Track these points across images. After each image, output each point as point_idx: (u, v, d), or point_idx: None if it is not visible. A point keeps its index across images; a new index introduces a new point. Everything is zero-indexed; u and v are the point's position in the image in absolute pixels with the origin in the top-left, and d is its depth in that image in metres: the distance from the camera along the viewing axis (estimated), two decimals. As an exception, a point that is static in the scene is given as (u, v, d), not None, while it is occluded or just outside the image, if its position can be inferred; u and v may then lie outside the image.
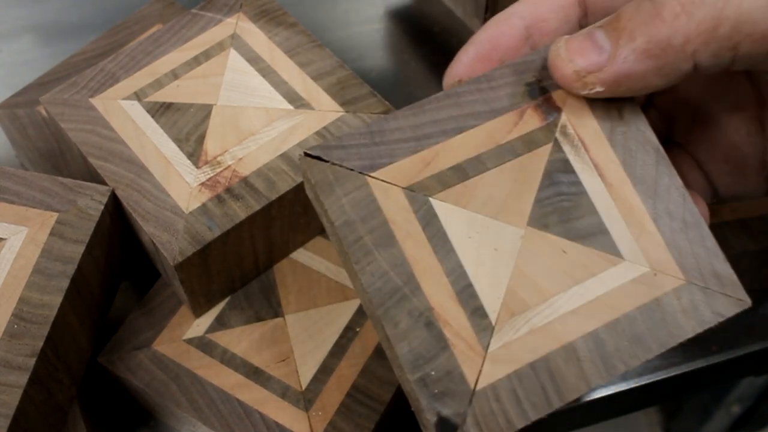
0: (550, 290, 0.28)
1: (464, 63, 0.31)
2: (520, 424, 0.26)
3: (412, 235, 0.28)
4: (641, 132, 0.29)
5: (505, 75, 0.30)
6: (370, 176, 0.28)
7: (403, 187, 0.28)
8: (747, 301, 0.28)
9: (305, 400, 0.36)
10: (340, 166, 0.28)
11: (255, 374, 0.37)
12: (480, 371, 0.27)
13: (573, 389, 0.27)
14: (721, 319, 0.28)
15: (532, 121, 0.29)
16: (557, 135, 0.29)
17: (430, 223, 0.28)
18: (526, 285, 0.28)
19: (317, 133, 0.37)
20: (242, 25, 0.40)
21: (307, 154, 0.28)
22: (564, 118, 0.29)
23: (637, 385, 0.43)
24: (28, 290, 0.32)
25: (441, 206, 0.28)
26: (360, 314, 0.38)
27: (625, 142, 0.29)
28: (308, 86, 0.39)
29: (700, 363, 0.43)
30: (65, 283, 0.33)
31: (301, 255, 0.40)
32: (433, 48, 0.57)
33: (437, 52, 0.56)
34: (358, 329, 0.38)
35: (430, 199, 0.28)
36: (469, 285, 0.27)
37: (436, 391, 0.26)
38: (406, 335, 0.27)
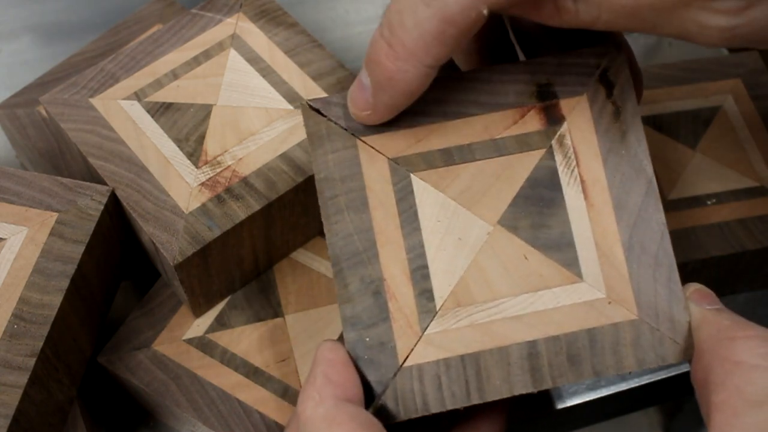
0: (501, 291, 0.28)
1: None
2: (435, 409, 0.27)
3: (384, 206, 0.28)
4: (639, 160, 0.29)
5: (519, 71, 0.30)
6: (360, 139, 0.29)
7: (388, 158, 0.29)
8: (689, 355, 0.27)
9: (305, 400, 0.36)
10: (335, 123, 0.29)
11: (255, 374, 0.37)
12: (412, 349, 0.27)
13: (495, 391, 0.27)
14: (662, 364, 0.28)
15: (532, 122, 0.29)
16: (553, 143, 0.29)
17: (404, 198, 0.28)
18: (479, 280, 0.28)
19: (317, 133, 0.37)
20: (242, 25, 0.40)
21: (309, 105, 0.29)
22: (565, 127, 0.29)
23: (637, 385, 0.43)
24: (28, 290, 0.32)
25: (420, 185, 0.29)
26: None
27: (619, 166, 0.29)
28: (308, 86, 0.39)
29: (700, 363, 0.43)
30: (65, 283, 0.33)
31: (301, 255, 0.40)
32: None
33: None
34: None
35: (411, 175, 0.29)
36: (425, 266, 0.28)
37: (366, 356, 0.27)
38: (352, 298, 0.28)
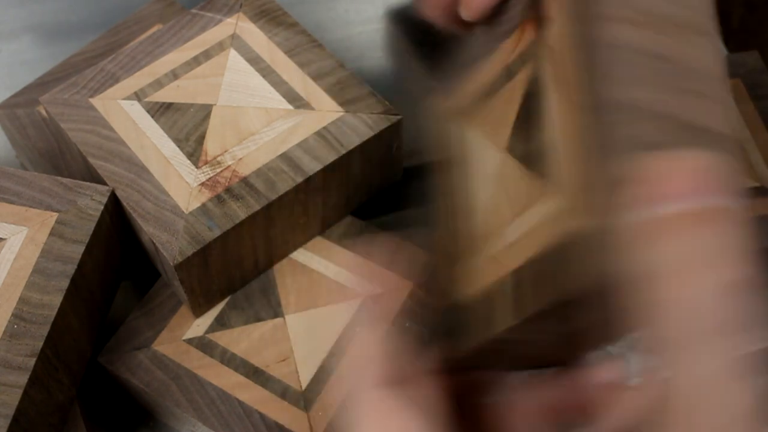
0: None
1: None
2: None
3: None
4: None
5: None
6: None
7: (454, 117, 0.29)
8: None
9: (305, 400, 0.36)
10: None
11: (255, 374, 0.37)
12: None
13: None
14: None
15: (528, 34, 0.27)
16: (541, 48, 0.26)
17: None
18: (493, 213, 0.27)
19: (317, 133, 0.37)
20: (242, 25, 0.40)
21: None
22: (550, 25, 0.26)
23: (637, 385, 0.43)
24: (28, 290, 0.32)
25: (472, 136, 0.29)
26: (359, 314, 0.38)
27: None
28: (308, 86, 0.39)
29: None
30: (65, 283, 0.33)
31: (301, 255, 0.40)
32: (433, 48, 0.57)
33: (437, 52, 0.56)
34: (357, 329, 0.38)
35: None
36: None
37: None
38: None
